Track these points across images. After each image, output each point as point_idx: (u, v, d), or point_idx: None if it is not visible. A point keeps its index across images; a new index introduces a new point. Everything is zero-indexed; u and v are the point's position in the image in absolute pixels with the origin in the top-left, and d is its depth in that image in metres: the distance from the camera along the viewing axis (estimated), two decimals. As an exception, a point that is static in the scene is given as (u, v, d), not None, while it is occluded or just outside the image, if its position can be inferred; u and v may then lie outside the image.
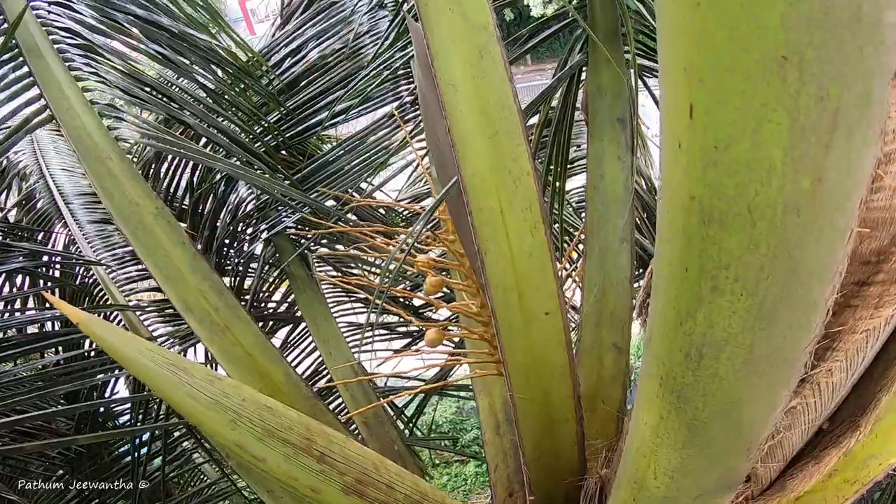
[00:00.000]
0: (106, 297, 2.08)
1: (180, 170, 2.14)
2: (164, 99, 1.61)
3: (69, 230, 2.20)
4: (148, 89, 1.54)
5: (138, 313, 1.97)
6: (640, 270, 2.28)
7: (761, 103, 0.38)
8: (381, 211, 2.03)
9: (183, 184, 2.17)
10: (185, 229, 2.30)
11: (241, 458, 0.59)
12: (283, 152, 2.14)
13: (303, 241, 1.98)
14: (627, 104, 1.49)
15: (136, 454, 2.15)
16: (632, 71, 1.44)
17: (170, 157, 2.08)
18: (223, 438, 0.57)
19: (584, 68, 1.56)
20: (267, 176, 1.69)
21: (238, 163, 2.09)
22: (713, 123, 0.41)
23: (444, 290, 1.46)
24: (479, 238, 1.03)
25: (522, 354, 1.11)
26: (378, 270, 1.53)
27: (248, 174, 1.53)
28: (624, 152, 1.47)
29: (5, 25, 1.31)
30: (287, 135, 2.01)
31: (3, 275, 1.96)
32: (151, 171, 2.18)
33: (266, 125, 1.96)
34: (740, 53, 0.37)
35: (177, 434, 2.32)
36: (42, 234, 2.21)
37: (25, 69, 1.39)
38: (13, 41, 1.33)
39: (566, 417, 1.16)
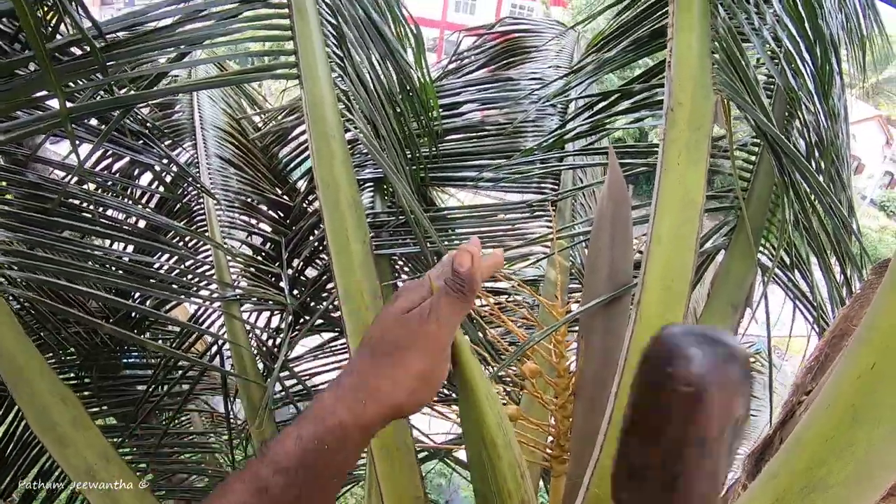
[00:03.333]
0: (206, 229, 2.17)
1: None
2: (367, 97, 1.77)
3: (195, 153, 2.31)
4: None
5: (228, 258, 2.06)
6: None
7: None
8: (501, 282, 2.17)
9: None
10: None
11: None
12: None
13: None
14: (745, 293, 1.67)
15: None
16: (764, 275, 1.63)
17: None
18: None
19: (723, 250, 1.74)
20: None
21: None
22: None
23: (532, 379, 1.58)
24: (626, 358, 1.20)
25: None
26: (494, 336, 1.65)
27: (399, 182, 1.66)
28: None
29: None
30: (430, 175, 2.17)
31: (135, 165, 2.05)
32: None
33: (416, 155, 2.11)
34: None
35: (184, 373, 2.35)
36: (170, 141, 2.31)
37: (287, 21, 1.53)
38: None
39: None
